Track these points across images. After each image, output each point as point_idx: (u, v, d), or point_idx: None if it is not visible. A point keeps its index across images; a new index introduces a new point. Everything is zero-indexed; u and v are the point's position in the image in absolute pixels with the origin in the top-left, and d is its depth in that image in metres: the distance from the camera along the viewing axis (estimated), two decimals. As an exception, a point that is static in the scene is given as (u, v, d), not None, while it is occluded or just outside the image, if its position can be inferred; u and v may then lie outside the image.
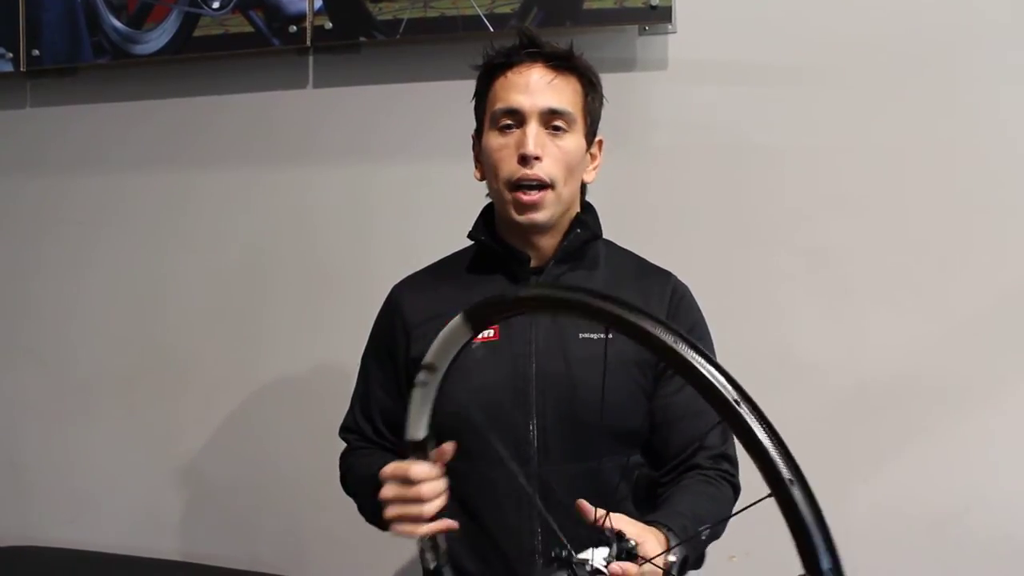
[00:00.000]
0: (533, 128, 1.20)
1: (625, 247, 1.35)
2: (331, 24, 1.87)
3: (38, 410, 2.14)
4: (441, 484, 1.05)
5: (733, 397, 0.65)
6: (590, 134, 1.27)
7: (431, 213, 1.86)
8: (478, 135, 1.30)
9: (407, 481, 1.04)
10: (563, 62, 1.24)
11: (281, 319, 1.98)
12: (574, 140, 1.23)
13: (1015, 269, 1.63)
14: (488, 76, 1.26)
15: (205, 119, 2.02)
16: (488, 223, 1.31)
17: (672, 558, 1.01)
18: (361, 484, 1.23)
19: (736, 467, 1.23)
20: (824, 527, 0.60)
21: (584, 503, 0.97)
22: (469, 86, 1.30)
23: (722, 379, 0.66)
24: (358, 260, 1.92)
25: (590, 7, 1.72)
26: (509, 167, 1.21)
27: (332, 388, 1.89)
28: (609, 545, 0.89)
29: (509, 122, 1.22)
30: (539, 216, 1.22)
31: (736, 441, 1.21)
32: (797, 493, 0.61)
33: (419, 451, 0.99)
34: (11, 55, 2.06)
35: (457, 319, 0.84)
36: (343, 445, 1.37)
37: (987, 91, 1.64)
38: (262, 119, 1.99)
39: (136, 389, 2.07)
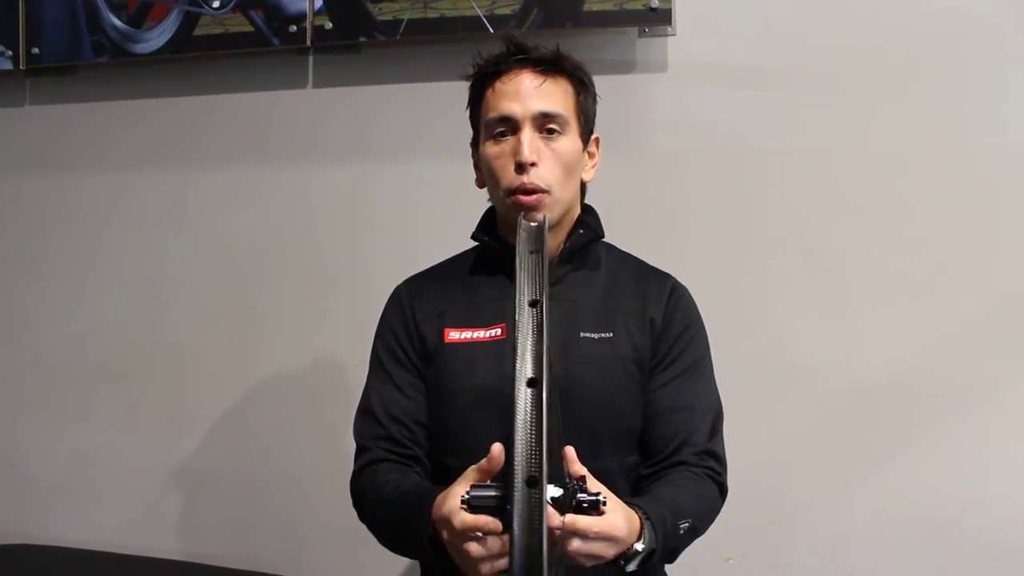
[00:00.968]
0: (527, 134, 1.20)
1: (625, 248, 1.35)
2: (331, 24, 1.87)
3: (38, 409, 2.14)
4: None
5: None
6: (585, 133, 1.27)
7: (431, 213, 1.87)
8: (475, 144, 1.30)
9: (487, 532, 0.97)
10: (551, 65, 1.24)
11: (281, 319, 1.98)
12: (569, 142, 1.23)
13: (1013, 273, 1.63)
14: (479, 85, 1.27)
15: (205, 118, 2.02)
16: (490, 224, 1.31)
17: (639, 547, 1.02)
18: (399, 517, 1.15)
19: (723, 465, 1.23)
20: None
21: (571, 450, 1.00)
22: (468, 87, 1.30)
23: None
24: (358, 260, 1.92)
25: (590, 9, 1.73)
26: (508, 177, 1.21)
27: (332, 388, 1.90)
28: (567, 489, 0.93)
29: (503, 129, 1.22)
30: (539, 216, 1.22)
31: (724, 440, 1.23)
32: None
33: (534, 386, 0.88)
34: (11, 53, 2.05)
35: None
36: (343, 445, 1.35)
37: (985, 94, 1.64)
38: (262, 119, 1.99)
39: (136, 388, 2.07)
